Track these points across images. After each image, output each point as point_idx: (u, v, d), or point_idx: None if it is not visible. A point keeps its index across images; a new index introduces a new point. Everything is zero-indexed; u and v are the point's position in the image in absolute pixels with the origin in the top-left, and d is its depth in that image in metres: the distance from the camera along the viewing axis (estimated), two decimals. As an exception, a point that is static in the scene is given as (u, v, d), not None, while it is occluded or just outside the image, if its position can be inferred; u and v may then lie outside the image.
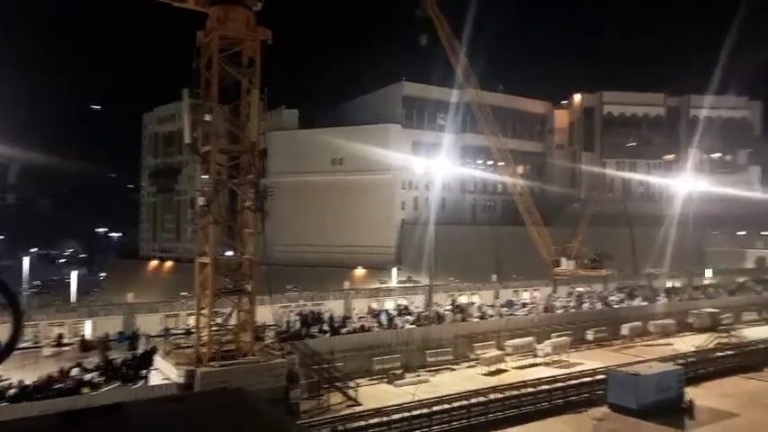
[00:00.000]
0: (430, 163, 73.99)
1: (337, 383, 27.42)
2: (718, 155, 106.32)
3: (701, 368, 33.07)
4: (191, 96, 25.04)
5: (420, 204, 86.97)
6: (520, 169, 79.92)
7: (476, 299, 46.28)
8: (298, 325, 35.21)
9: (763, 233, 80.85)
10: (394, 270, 68.29)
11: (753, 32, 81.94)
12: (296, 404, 24.35)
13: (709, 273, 64.74)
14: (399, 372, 30.88)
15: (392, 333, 34.32)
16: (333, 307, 39.77)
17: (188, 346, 25.42)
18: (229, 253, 26.90)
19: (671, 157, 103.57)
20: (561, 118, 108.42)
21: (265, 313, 29.60)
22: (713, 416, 26.17)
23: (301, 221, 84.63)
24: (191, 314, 29.28)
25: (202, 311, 24.62)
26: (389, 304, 42.77)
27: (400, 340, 33.40)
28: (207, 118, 24.82)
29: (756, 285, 60.41)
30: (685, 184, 63.93)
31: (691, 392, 27.89)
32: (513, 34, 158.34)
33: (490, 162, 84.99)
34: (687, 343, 39.90)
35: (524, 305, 44.86)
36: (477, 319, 39.79)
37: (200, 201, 24.66)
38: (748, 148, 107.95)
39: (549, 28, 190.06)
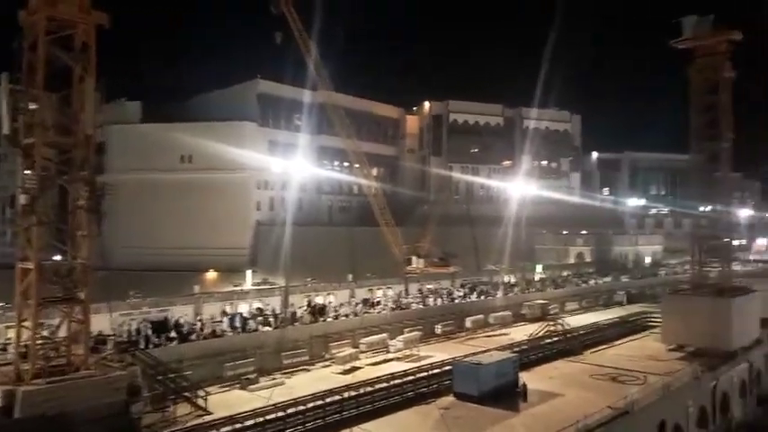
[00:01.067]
0: (286, 163, 72.90)
1: (185, 393, 25.95)
2: (545, 162, 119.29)
3: (532, 354, 36.70)
4: (11, 82, 22.17)
5: (276, 205, 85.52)
6: (374, 171, 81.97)
7: (332, 299, 46.63)
8: (147, 332, 32.56)
9: (582, 232, 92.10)
10: (248, 272, 66.34)
11: (567, 52, 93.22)
12: (138, 419, 22.61)
13: (539, 268, 71.92)
14: (253, 376, 30.10)
15: (246, 337, 33.35)
16: (182, 312, 37.50)
17: (6, 364, 22.36)
18: (58, 257, 24.15)
19: (508, 162, 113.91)
20: (412, 124, 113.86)
21: (103, 322, 27.16)
22: (543, 397, 29.16)
23: (148, 222, 78.68)
24: (9, 327, 25.80)
25: (24, 323, 21.82)
26: (244, 307, 41.43)
27: (254, 344, 32.59)
28: (31, 107, 22.09)
29: (577, 278, 68.58)
30: (519, 187, 70.63)
31: (524, 377, 30.82)
32: (366, 39, 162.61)
33: (346, 164, 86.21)
34: (521, 332, 44.01)
35: (373, 305, 45.89)
36: (332, 319, 40.15)
37: (23, 199, 21.86)
38: (569, 157, 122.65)
39: (400, 36, 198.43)
